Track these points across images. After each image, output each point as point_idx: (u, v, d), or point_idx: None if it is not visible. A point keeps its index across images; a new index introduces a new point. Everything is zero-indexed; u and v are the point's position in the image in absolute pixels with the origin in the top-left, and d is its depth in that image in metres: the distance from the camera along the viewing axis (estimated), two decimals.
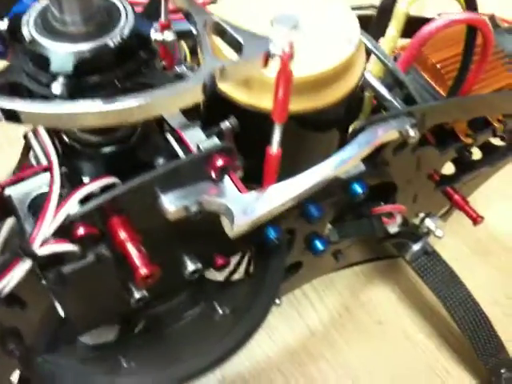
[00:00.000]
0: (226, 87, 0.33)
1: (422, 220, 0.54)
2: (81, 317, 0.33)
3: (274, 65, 0.27)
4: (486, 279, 0.63)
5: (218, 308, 0.41)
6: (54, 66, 0.26)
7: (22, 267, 0.26)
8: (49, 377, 0.35)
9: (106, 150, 0.30)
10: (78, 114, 0.24)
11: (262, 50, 0.27)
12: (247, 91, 0.32)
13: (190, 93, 0.25)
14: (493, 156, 0.52)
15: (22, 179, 0.29)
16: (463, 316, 0.56)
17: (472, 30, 0.37)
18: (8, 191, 0.29)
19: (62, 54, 0.26)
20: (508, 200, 0.69)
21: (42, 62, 0.26)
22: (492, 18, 0.51)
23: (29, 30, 0.26)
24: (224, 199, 0.30)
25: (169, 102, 0.25)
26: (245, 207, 0.31)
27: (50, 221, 0.26)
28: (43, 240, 0.26)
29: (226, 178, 0.31)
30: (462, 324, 0.56)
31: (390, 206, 0.46)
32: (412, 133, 0.36)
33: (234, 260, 0.45)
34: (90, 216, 0.27)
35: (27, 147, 0.32)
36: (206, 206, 0.30)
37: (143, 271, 0.27)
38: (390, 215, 0.46)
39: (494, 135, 0.47)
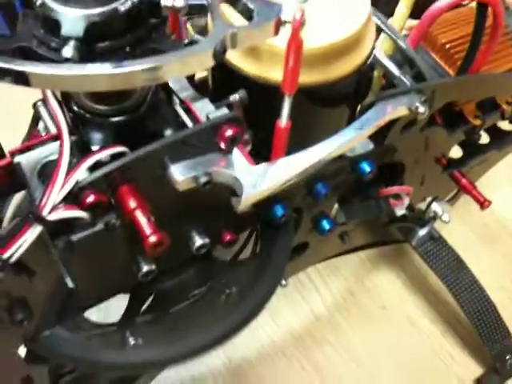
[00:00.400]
0: (235, 59, 0.33)
1: (429, 204, 0.54)
2: (89, 288, 0.33)
3: (285, 34, 0.27)
4: (492, 265, 0.63)
5: (225, 287, 0.41)
6: (65, 30, 0.26)
7: (32, 233, 0.26)
8: (55, 350, 0.35)
9: (116, 119, 0.30)
10: (87, 77, 0.24)
11: (273, 16, 0.26)
12: (257, 63, 0.32)
13: (201, 57, 0.25)
14: (501, 140, 0.51)
15: (31, 147, 0.29)
16: (469, 302, 0.56)
17: (482, 7, 0.37)
18: (17, 159, 0.29)
19: (72, 18, 0.26)
20: None
21: (52, 26, 0.26)
22: None
23: None
24: (233, 171, 0.30)
25: (179, 66, 0.25)
26: (254, 179, 0.30)
27: (60, 187, 0.26)
28: (53, 206, 0.26)
29: (235, 150, 0.31)
30: (467, 310, 0.56)
31: (397, 187, 0.45)
32: (422, 109, 0.36)
33: (240, 240, 0.46)
34: (99, 183, 0.27)
35: (36, 117, 0.32)
36: (214, 178, 0.30)
37: (152, 239, 0.27)
38: (398, 197, 0.46)
39: (503, 118, 0.47)
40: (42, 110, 0.31)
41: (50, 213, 0.26)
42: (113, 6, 0.26)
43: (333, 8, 0.33)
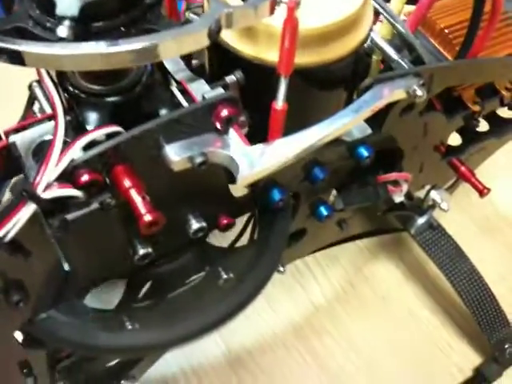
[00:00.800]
0: (232, 40, 0.32)
1: (428, 192, 0.53)
2: (85, 270, 0.33)
3: (281, 15, 0.27)
4: (492, 255, 0.63)
5: (223, 273, 0.40)
6: (60, 10, 0.26)
7: (26, 211, 0.26)
8: (51, 333, 0.35)
9: (111, 99, 0.30)
10: (81, 56, 0.24)
11: None
12: (254, 44, 0.32)
13: (196, 36, 0.25)
14: (500, 128, 0.51)
15: (26, 127, 0.29)
16: (467, 290, 0.56)
17: None
18: (12, 138, 0.29)
19: None
20: None
21: (47, 5, 0.26)
22: None
23: None
24: (229, 151, 0.30)
25: (173, 45, 0.25)
26: (250, 159, 0.30)
27: (54, 165, 0.26)
28: (47, 184, 0.26)
29: (231, 131, 0.30)
30: (466, 299, 0.56)
31: (396, 173, 0.45)
32: (420, 92, 0.35)
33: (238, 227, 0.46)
34: (94, 162, 0.27)
35: (32, 98, 0.32)
36: (210, 158, 0.30)
37: (147, 218, 0.27)
38: (396, 184, 0.46)
39: (502, 104, 0.47)
40: (38, 91, 0.31)
41: (44, 191, 0.26)
42: None
43: None
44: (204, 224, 0.35)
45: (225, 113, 0.29)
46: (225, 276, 0.40)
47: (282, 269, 0.47)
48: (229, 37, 0.32)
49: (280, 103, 0.31)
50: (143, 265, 0.35)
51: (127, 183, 0.28)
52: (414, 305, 0.61)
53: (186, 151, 0.29)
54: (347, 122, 0.33)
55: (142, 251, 0.34)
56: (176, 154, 0.29)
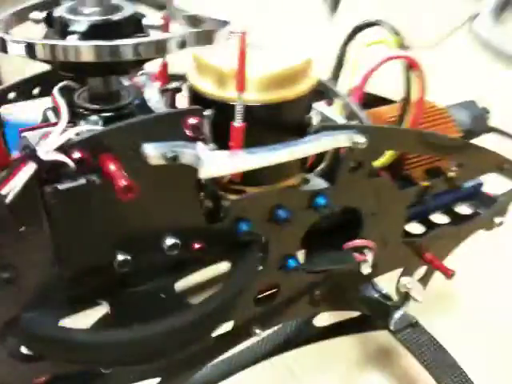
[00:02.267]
0: (204, 86, 0.42)
1: (399, 282, 0.57)
2: (72, 256, 0.38)
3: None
4: (475, 357, 0.63)
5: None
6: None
7: (28, 169, 0.33)
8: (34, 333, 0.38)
9: (105, 114, 0.39)
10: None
11: (220, 25, 0.37)
12: (223, 88, 0.41)
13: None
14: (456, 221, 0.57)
15: (36, 128, 0.37)
16: None
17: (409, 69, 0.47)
18: (24, 134, 0.37)
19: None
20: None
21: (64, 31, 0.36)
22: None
23: (61, 13, 0.37)
24: (196, 151, 0.37)
25: None
26: (213, 158, 0.38)
27: (56, 138, 0.34)
28: (47, 150, 0.33)
29: (199, 144, 0.38)
30: None
31: (359, 240, 0.51)
32: (362, 141, 0.43)
33: None
34: (85, 144, 0.35)
35: (44, 120, 0.40)
36: (180, 156, 0.37)
37: (123, 182, 0.34)
38: (361, 252, 0.51)
39: (449, 184, 0.54)
40: (50, 115, 0.40)
41: (44, 155, 0.33)
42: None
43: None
44: (179, 241, 0.41)
45: (192, 121, 0.37)
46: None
47: (257, 331, 0.50)
48: (197, 80, 0.42)
49: (238, 121, 0.39)
50: (123, 277, 0.40)
51: (108, 161, 0.35)
52: None
53: (159, 149, 0.37)
54: (286, 153, 0.40)
55: (121, 257, 0.39)
56: (151, 149, 0.37)
